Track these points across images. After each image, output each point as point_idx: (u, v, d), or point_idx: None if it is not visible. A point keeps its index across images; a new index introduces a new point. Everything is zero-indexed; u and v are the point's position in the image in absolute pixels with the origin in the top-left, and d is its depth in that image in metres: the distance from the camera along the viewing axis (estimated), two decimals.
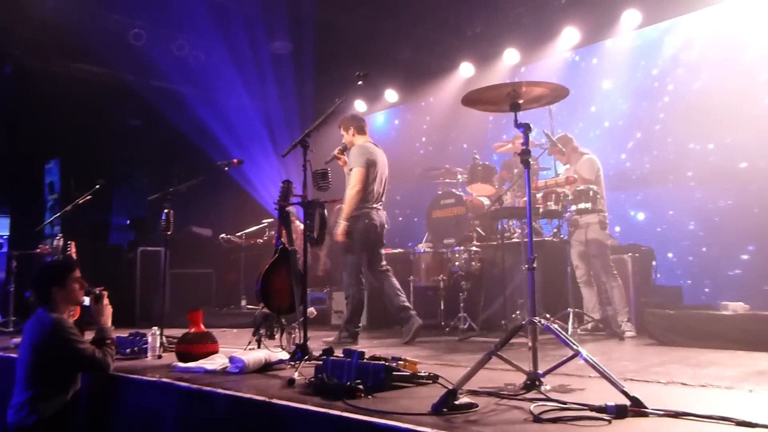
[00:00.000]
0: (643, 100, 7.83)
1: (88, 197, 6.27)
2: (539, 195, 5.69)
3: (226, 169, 5.52)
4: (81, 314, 4.10)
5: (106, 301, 3.92)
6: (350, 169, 5.43)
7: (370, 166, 5.31)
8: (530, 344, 2.74)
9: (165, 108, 9.90)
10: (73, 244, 6.11)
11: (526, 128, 2.95)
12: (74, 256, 6.03)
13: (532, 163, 3.19)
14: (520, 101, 3.00)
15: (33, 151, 9.67)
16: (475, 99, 3.14)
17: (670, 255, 7.34)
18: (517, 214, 6.26)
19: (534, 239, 3.02)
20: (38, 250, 6.81)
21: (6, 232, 12.36)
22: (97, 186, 6.18)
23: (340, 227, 5.35)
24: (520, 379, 2.71)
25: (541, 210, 5.59)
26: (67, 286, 3.71)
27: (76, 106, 9.11)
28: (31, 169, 9.78)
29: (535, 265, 2.90)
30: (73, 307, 3.85)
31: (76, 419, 3.68)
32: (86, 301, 4.00)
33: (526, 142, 2.97)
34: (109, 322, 3.87)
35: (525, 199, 6.28)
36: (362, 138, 5.64)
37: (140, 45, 8.97)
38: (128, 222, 10.91)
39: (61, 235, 6.32)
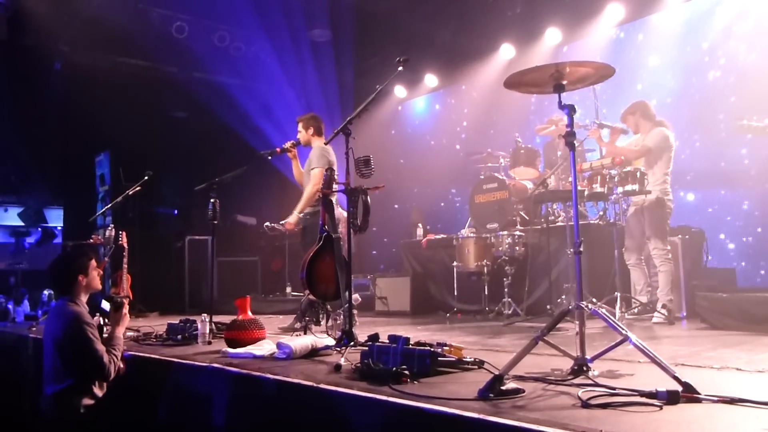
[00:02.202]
0: (692, 76, 7.57)
1: (137, 188, 6.44)
2: (584, 177, 5.58)
3: (269, 158, 5.60)
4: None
5: (125, 310, 3.97)
6: (312, 168, 5.48)
7: (331, 169, 5.30)
8: (577, 329, 2.70)
9: (208, 99, 10.08)
10: (124, 233, 6.31)
11: (570, 109, 2.89)
12: (125, 245, 6.24)
13: (576, 144, 3.13)
14: (564, 82, 2.93)
15: (84, 145, 9.98)
16: (517, 81, 3.08)
17: (722, 236, 7.11)
18: (561, 198, 6.16)
19: (579, 223, 2.96)
20: (91, 240, 7.04)
21: (60, 224, 12.84)
22: (146, 177, 6.34)
23: (293, 218, 5.41)
24: (567, 364, 2.68)
25: (586, 193, 5.48)
26: (90, 274, 3.82)
27: (123, 100, 9.34)
28: (82, 162, 10.10)
29: (581, 249, 2.85)
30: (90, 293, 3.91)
31: (126, 405, 3.79)
32: (106, 306, 4.20)
33: (570, 124, 2.91)
34: (122, 331, 3.90)
35: (569, 181, 6.20)
36: (319, 140, 5.70)
37: (183, 38, 9.13)
38: (176, 212, 11.18)
39: (112, 225, 6.53)
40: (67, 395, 3.57)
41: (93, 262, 3.86)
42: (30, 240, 15.74)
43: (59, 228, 13.88)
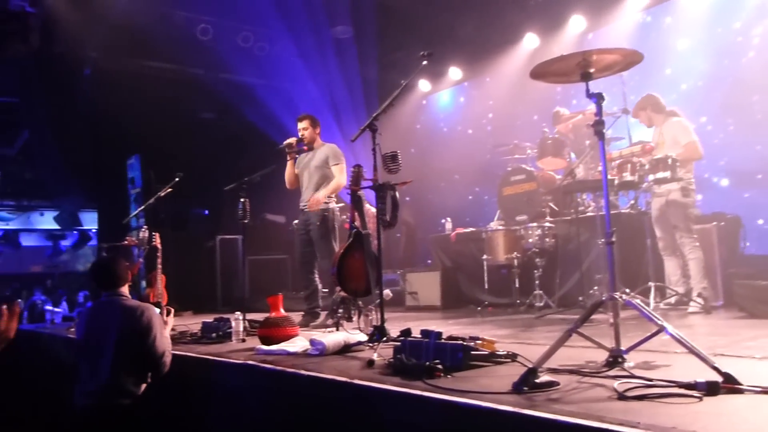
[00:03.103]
0: (724, 58, 7.38)
1: (169, 190, 6.53)
2: (614, 166, 5.50)
3: (287, 150, 5.60)
4: None
5: (171, 317, 4.22)
6: (334, 164, 5.57)
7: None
8: (611, 320, 2.67)
9: (234, 100, 10.18)
10: (157, 235, 6.41)
11: (598, 98, 2.86)
12: (159, 246, 6.33)
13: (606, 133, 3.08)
14: (591, 70, 2.90)
15: (115, 149, 10.16)
16: (543, 72, 3.06)
17: (760, 222, 6.94)
18: (591, 187, 6.09)
19: (610, 212, 2.92)
20: (125, 242, 7.17)
21: (94, 226, 13.12)
22: (176, 179, 6.42)
23: (321, 195, 5.48)
24: (601, 356, 2.66)
25: (616, 182, 5.40)
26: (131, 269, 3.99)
27: (152, 103, 9.47)
28: (114, 166, 10.29)
29: (613, 239, 2.82)
30: None
31: (163, 402, 3.85)
32: (156, 311, 4.24)
33: (599, 113, 2.87)
34: (168, 332, 4.06)
35: (599, 171, 6.12)
36: (319, 140, 5.80)
37: (207, 39, 9.22)
38: (206, 212, 11.33)
39: (146, 227, 6.63)
40: (111, 392, 3.54)
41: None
42: (66, 243, 16.14)
43: (94, 230, 14.19)
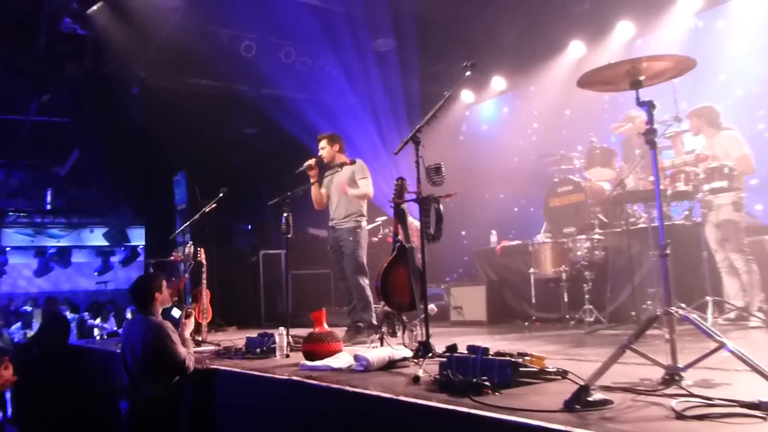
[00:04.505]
0: None
1: (213, 205, 6.67)
2: (667, 175, 5.37)
3: (309, 172, 5.64)
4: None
5: (191, 318, 4.75)
6: (360, 178, 5.62)
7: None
8: (667, 336, 2.61)
9: (277, 114, 10.36)
10: (202, 250, 6.55)
11: (649, 106, 2.82)
12: (203, 261, 6.47)
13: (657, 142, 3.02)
14: (641, 78, 2.87)
15: (161, 165, 10.46)
16: (591, 80, 3.05)
17: None
18: (642, 198, 5.96)
19: (663, 223, 2.85)
20: (172, 258, 7.34)
21: (142, 242, 13.48)
22: (220, 194, 6.56)
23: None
24: (656, 374, 2.60)
25: (669, 192, 5.27)
26: (164, 292, 4.54)
27: (197, 120, 9.74)
28: (161, 182, 10.57)
29: (667, 251, 2.75)
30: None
31: (207, 416, 4.12)
32: (177, 313, 4.88)
33: (650, 121, 2.83)
34: (189, 333, 4.68)
35: (650, 181, 5.99)
36: (342, 156, 5.80)
37: (251, 56, 9.43)
38: (250, 227, 11.52)
39: (191, 242, 6.77)
40: (143, 398, 4.25)
41: (165, 282, 4.58)
42: (115, 259, 16.61)
43: (141, 246, 14.58)
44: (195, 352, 4.99)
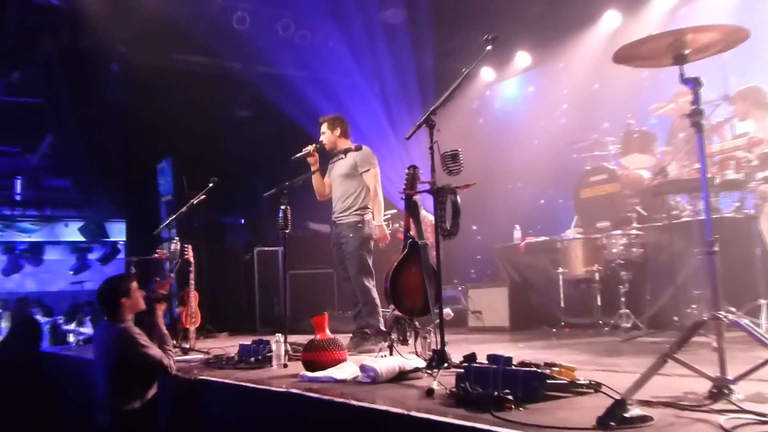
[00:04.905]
0: None
1: (202, 197, 6.68)
2: (714, 162, 5.33)
3: (308, 159, 5.64)
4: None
5: (163, 306, 4.86)
6: (364, 171, 5.61)
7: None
8: (715, 344, 2.60)
9: (274, 95, 10.35)
10: (189, 247, 6.57)
11: (695, 84, 2.81)
12: (191, 259, 6.49)
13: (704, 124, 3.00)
14: (686, 52, 2.86)
15: (144, 152, 10.48)
16: (629, 55, 3.05)
17: None
18: (686, 188, 5.92)
19: (711, 216, 2.84)
20: (156, 255, 7.35)
21: (123, 238, 13.53)
22: (210, 184, 6.56)
23: (383, 228, 5.60)
24: (703, 386, 2.59)
25: (717, 181, 5.23)
26: (133, 296, 4.50)
27: (184, 101, 9.74)
28: (143, 171, 10.60)
29: (715, 248, 2.73)
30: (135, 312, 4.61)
31: None
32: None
33: (696, 101, 2.81)
34: (161, 321, 4.78)
35: (695, 168, 5.94)
36: (347, 142, 5.79)
37: (244, 29, 9.42)
38: (243, 221, 11.55)
39: (177, 238, 6.79)
40: (116, 408, 4.27)
41: (134, 284, 4.56)
42: (93, 256, 16.70)
43: (122, 243, 14.64)
44: (182, 361, 5.03)
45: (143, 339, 4.33)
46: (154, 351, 4.33)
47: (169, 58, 10.19)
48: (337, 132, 5.80)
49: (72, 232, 15.63)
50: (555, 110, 10.06)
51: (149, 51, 9.91)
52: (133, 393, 4.31)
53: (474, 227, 10.45)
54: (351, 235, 5.57)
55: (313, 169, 5.71)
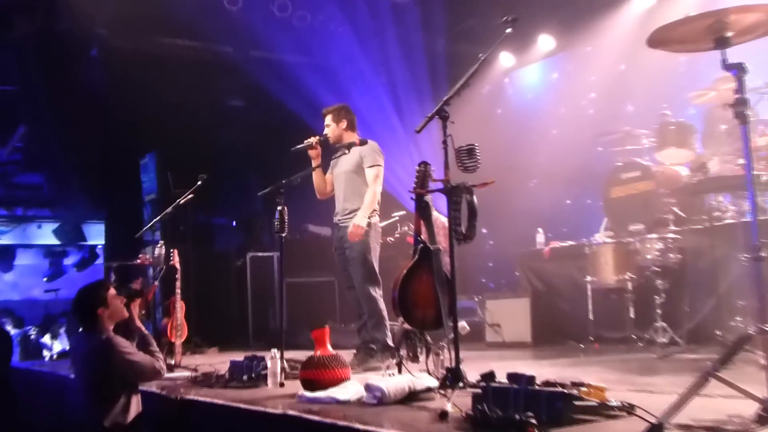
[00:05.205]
0: None
1: (190, 195, 6.69)
2: (761, 157, 5.32)
3: (309, 152, 5.64)
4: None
5: (136, 303, 4.80)
6: (369, 166, 5.62)
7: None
8: (763, 361, 2.59)
9: (270, 83, 10.35)
10: (175, 251, 6.58)
11: (739, 70, 2.81)
12: (177, 265, 6.50)
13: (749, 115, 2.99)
14: (729, 34, 2.87)
15: (126, 145, 10.51)
16: (664, 38, 3.07)
17: None
18: (729, 186, 5.91)
19: (757, 218, 2.83)
20: (138, 261, 7.38)
21: (101, 241, 13.56)
22: (199, 182, 6.57)
23: (362, 222, 5.46)
24: (749, 409, 2.59)
25: (764, 178, 5.22)
26: (111, 304, 4.49)
27: (170, 89, 9.77)
28: (125, 167, 10.63)
29: (762, 254, 2.73)
30: (117, 321, 4.61)
31: None
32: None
33: (740, 89, 2.80)
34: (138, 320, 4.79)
35: (740, 164, 5.93)
36: (353, 135, 5.79)
37: (236, 9, 9.43)
38: (235, 223, 11.56)
39: (162, 241, 6.81)
40: (99, 425, 4.23)
41: (112, 291, 4.55)
42: (69, 261, 16.75)
43: (100, 246, 14.68)
44: (167, 380, 5.03)
45: (128, 347, 4.37)
46: (143, 357, 4.37)
47: (153, 42, 10.21)
48: (343, 124, 5.81)
49: (46, 234, 15.67)
50: (581, 99, 10.04)
51: (132, 34, 9.94)
52: (118, 409, 4.30)
53: (484, 230, 10.41)
54: (355, 239, 5.57)
55: (314, 163, 5.72)
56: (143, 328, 4.76)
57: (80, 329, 4.67)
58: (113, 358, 4.26)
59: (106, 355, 4.28)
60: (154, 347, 4.63)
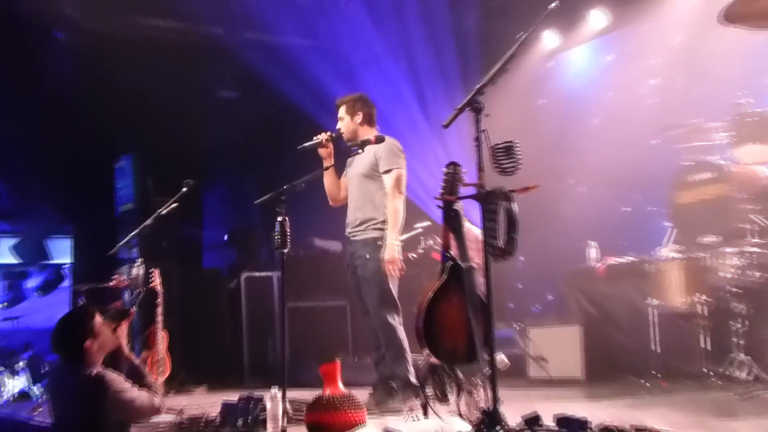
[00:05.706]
0: None
1: (174, 205, 6.72)
2: None
3: (319, 150, 5.65)
4: None
5: (123, 325, 4.71)
6: (385, 171, 5.64)
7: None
8: None
9: (268, 70, 10.39)
10: (156, 271, 6.61)
11: None
12: (158, 288, 6.53)
13: None
14: None
15: (98, 146, 10.55)
16: (740, 13, 3.06)
17: None
18: None
19: None
20: (112, 283, 7.41)
21: (68, 260, 13.62)
22: (184, 188, 6.60)
23: (395, 249, 5.49)
24: None
25: None
26: (99, 333, 4.41)
27: (151, 79, 9.81)
28: (97, 171, 10.67)
29: None
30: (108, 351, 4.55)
31: None
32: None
33: None
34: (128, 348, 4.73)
35: None
36: (371, 131, 5.83)
37: None
38: (227, 237, 11.59)
39: (141, 259, 6.84)
40: None
41: (98, 319, 4.46)
42: (31, 284, 16.86)
43: (68, 266, 14.76)
44: (146, 426, 5.03)
45: (122, 383, 4.30)
46: (139, 394, 4.33)
47: (131, 23, 10.27)
48: (359, 117, 5.84)
49: (3, 252, 15.81)
50: (640, 87, 10.02)
51: (105, 14, 10.00)
52: None
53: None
54: (368, 255, 5.58)
55: (325, 164, 5.75)
56: (133, 357, 4.71)
57: (60, 361, 4.65)
58: (106, 399, 4.19)
59: (97, 395, 4.19)
60: (149, 378, 4.58)
